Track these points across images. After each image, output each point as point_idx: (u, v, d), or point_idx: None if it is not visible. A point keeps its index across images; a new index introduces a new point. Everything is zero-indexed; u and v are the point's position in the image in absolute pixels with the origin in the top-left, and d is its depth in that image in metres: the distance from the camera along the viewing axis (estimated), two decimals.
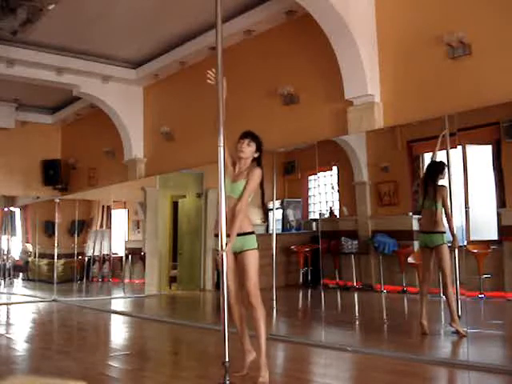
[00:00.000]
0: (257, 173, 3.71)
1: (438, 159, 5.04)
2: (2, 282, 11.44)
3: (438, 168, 5.00)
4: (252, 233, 3.75)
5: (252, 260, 3.68)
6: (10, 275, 11.60)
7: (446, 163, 4.92)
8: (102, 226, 10.60)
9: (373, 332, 5.40)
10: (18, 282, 12.05)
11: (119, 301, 9.58)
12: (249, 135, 3.77)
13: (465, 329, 4.59)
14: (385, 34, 5.61)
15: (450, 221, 4.86)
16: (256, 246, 3.73)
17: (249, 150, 3.74)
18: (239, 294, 3.75)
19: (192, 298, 8.74)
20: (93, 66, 8.40)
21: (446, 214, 4.87)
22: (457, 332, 4.70)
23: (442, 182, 4.97)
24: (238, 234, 3.68)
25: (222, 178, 3.60)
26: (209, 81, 3.73)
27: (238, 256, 3.73)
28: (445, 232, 4.91)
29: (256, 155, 3.79)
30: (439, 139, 4.93)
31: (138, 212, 9.62)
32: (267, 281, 6.48)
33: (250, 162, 3.80)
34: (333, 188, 6.55)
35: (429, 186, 5.03)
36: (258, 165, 3.80)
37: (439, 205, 4.92)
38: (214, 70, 3.68)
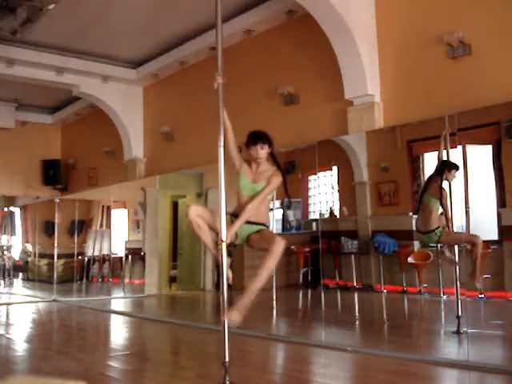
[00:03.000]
0: (278, 180, 3.70)
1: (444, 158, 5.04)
2: (2, 282, 11.44)
3: (449, 165, 4.95)
4: (266, 226, 3.77)
5: (267, 231, 3.71)
6: (9, 275, 11.60)
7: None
8: (101, 226, 10.60)
9: (373, 332, 5.40)
10: (18, 282, 12.05)
11: (119, 301, 9.58)
12: (258, 139, 3.69)
13: (465, 329, 4.59)
14: (385, 34, 5.61)
15: (448, 221, 4.87)
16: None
17: (263, 152, 3.70)
18: (203, 220, 3.62)
19: (192, 298, 8.74)
20: (93, 66, 8.40)
21: (445, 216, 4.89)
22: (478, 289, 4.73)
23: (445, 183, 4.96)
24: (252, 222, 3.68)
25: (221, 177, 3.60)
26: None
27: (249, 238, 3.72)
28: (438, 227, 4.94)
29: (269, 151, 3.76)
30: (442, 139, 4.93)
31: (138, 212, 9.62)
32: (267, 281, 6.47)
33: (266, 159, 3.78)
34: (333, 188, 6.55)
35: (433, 181, 5.03)
36: (272, 158, 3.77)
37: (437, 203, 4.93)
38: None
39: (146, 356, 4.94)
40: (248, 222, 3.68)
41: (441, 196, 4.92)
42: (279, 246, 3.54)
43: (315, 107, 6.27)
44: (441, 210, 4.98)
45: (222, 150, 3.62)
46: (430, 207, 5.00)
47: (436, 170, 5.09)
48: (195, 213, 3.59)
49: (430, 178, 5.15)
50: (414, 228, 5.40)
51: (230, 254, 3.64)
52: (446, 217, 4.88)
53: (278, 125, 6.54)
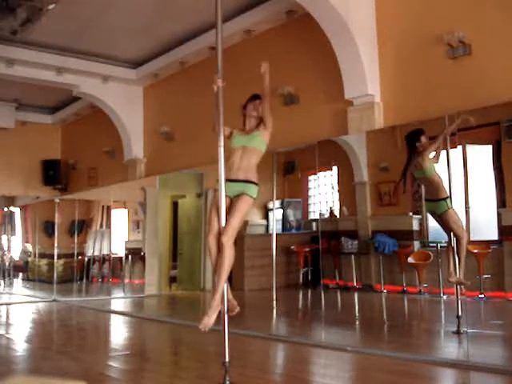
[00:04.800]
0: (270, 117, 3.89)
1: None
2: (2, 282, 11.44)
3: (413, 137, 5.01)
4: (255, 183, 3.76)
5: (244, 205, 3.67)
6: (9, 275, 11.60)
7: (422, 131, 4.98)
8: (101, 226, 10.60)
9: (373, 332, 5.40)
10: (18, 282, 12.05)
11: (119, 301, 9.58)
12: (258, 97, 3.98)
13: (465, 329, 4.59)
14: (385, 34, 5.61)
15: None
16: (254, 196, 3.72)
17: (260, 109, 3.92)
18: (218, 236, 3.65)
19: (192, 297, 8.74)
20: (93, 66, 8.41)
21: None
22: (459, 283, 4.70)
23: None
24: (242, 180, 3.70)
25: (222, 177, 3.61)
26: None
27: (234, 199, 3.71)
28: (448, 197, 4.86)
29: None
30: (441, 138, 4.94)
31: (138, 212, 9.62)
32: (267, 281, 6.48)
33: (257, 121, 3.94)
34: (333, 188, 6.55)
35: (415, 157, 5.03)
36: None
37: (430, 171, 4.93)
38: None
39: (146, 356, 4.94)
40: (232, 181, 3.68)
41: (425, 160, 4.93)
42: (229, 250, 3.57)
43: (315, 107, 6.27)
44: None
45: (221, 149, 3.64)
46: (433, 176, 4.96)
47: (409, 148, 5.08)
48: (212, 240, 3.66)
49: (410, 158, 5.12)
50: (417, 229, 5.43)
51: None
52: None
53: (278, 125, 6.50)
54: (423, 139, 4.97)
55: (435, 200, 4.95)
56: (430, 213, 5.11)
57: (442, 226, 4.93)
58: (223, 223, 3.59)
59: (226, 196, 3.66)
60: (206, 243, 3.68)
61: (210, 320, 3.51)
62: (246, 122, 3.96)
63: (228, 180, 3.67)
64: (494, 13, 4.76)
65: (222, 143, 3.64)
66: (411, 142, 5.03)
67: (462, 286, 4.71)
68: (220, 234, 3.60)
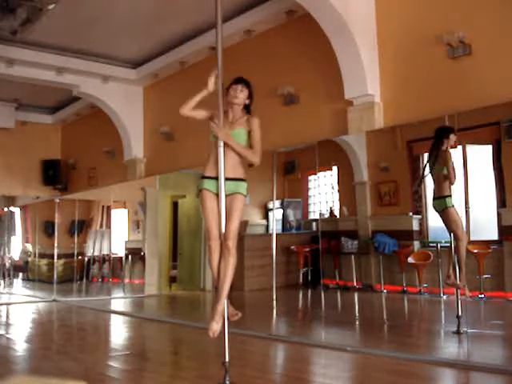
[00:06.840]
0: (258, 122, 3.74)
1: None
2: (2, 282, 11.44)
3: (442, 133, 4.93)
4: (244, 180, 3.74)
5: (240, 205, 3.68)
6: (9, 275, 11.60)
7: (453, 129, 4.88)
8: (101, 226, 10.60)
9: (373, 332, 5.40)
10: (18, 282, 12.04)
11: (119, 301, 9.58)
12: (242, 81, 3.76)
13: (465, 329, 4.59)
14: (385, 34, 5.61)
15: (450, 182, 4.88)
16: (246, 194, 3.72)
17: (242, 95, 3.75)
18: (220, 240, 3.64)
19: (192, 298, 8.74)
20: (93, 65, 8.40)
21: (448, 177, 4.87)
22: (455, 286, 4.71)
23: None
24: (232, 179, 3.68)
25: (221, 177, 3.62)
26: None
27: (227, 198, 3.70)
28: (449, 195, 4.87)
29: (247, 102, 3.81)
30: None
31: (138, 212, 9.62)
32: (267, 281, 6.48)
33: (241, 108, 3.79)
34: (333, 188, 6.55)
35: (438, 151, 4.98)
36: (247, 112, 3.82)
37: (448, 169, 4.93)
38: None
39: (146, 356, 4.94)
40: (227, 179, 3.67)
41: (444, 160, 4.89)
42: (233, 255, 3.60)
43: (315, 107, 6.27)
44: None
45: (221, 149, 3.64)
46: (440, 174, 4.97)
47: (435, 139, 5.01)
48: (213, 245, 3.67)
49: (433, 149, 5.06)
50: (417, 229, 5.44)
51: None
52: (449, 178, 4.85)
53: (278, 125, 6.54)
54: (452, 137, 4.88)
55: (437, 198, 4.98)
56: (435, 210, 5.12)
57: (444, 224, 4.94)
58: (223, 223, 3.59)
59: (213, 193, 3.69)
60: (208, 248, 3.68)
61: (218, 326, 3.51)
62: (228, 111, 3.77)
63: (217, 178, 3.67)
64: (494, 13, 4.76)
65: (222, 143, 3.65)
66: (439, 137, 4.95)
67: (464, 287, 4.72)
68: (220, 238, 3.61)
